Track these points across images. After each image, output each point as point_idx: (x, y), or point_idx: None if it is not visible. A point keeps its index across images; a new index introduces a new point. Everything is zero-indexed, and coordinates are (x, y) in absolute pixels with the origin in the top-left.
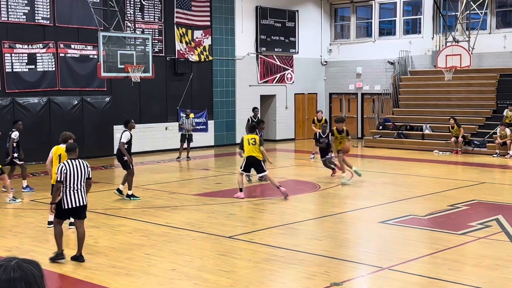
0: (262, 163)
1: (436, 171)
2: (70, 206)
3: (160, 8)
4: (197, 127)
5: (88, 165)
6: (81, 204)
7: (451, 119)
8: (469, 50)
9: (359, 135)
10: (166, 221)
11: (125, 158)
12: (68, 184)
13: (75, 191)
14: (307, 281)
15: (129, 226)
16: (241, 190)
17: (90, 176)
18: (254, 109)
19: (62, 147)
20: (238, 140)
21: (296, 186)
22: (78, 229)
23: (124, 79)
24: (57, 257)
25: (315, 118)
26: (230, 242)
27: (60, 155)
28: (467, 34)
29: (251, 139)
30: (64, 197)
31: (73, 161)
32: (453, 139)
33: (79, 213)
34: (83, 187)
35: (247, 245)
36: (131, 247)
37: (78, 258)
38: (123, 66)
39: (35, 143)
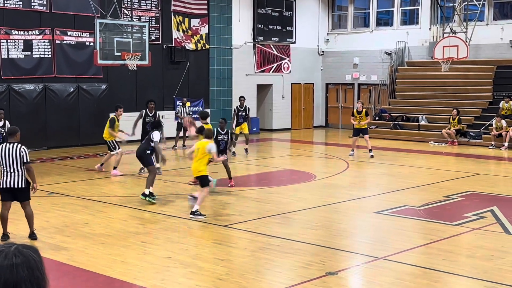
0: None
1: (431, 162)
2: (2, 186)
3: None
4: (194, 115)
5: (25, 150)
6: (16, 186)
7: (454, 109)
8: (466, 42)
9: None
10: (162, 209)
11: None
12: (3, 166)
13: (9, 173)
14: (302, 270)
15: (124, 214)
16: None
17: (27, 161)
18: (240, 98)
19: None
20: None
21: (292, 176)
22: (24, 209)
23: (120, 66)
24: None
25: (355, 110)
26: (225, 231)
27: None
28: (465, 25)
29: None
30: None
31: (8, 144)
32: (444, 130)
33: (17, 195)
34: (19, 171)
35: (243, 234)
36: (127, 235)
37: (30, 236)
38: (119, 54)
39: (31, 130)
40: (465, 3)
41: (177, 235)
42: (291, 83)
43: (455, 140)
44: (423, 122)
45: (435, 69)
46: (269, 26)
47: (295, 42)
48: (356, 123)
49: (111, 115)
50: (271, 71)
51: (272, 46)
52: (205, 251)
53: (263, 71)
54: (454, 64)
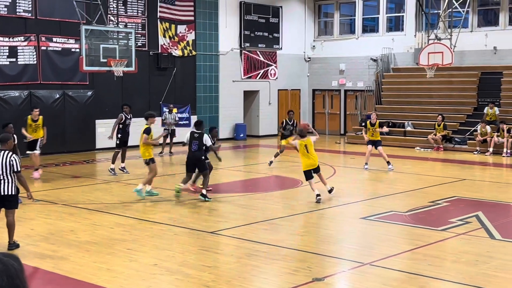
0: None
1: (417, 167)
2: None
3: (143, 2)
4: (180, 122)
5: (15, 159)
6: (5, 193)
7: (439, 115)
8: (451, 48)
9: (342, 132)
10: (148, 216)
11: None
12: None
13: None
14: (289, 277)
15: (110, 221)
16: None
17: (17, 170)
18: (290, 112)
19: None
20: (221, 136)
21: (278, 182)
22: (6, 218)
23: (106, 73)
24: None
25: (369, 122)
26: (212, 238)
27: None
28: (449, 32)
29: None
30: None
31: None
32: (430, 136)
33: (5, 203)
34: (8, 178)
35: (229, 241)
36: (113, 242)
37: (11, 245)
38: (105, 60)
39: (16, 137)
40: (450, 10)
41: (163, 242)
42: (278, 89)
43: (441, 145)
44: (409, 128)
45: (421, 75)
46: (256, 32)
47: (281, 48)
48: (368, 136)
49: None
50: (257, 78)
51: (258, 53)
52: (192, 258)
53: (250, 77)
54: (439, 70)
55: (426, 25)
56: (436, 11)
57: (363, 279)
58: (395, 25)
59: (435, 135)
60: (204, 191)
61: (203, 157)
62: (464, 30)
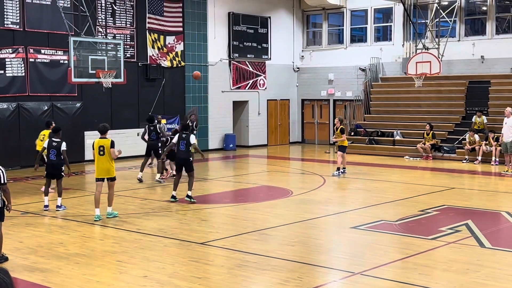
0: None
1: (407, 176)
2: None
3: (132, 13)
4: (169, 133)
5: (2, 171)
6: None
7: (428, 125)
8: (439, 57)
9: (331, 141)
10: (138, 227)
11: None
12: None
13: None
14: (279, 287)
15: (100, 233)
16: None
17: (3, 182)
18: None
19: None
20: (210, 146)
21: (269, 192)
22: None
23: (95, 84)
24: None
25: (335, 127)
26: (202, 249)
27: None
28: (437, 41)
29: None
30: None
31: None
32: (419, 145)
33: None
34: None
35: (219, 251)
36: (103, 254)
37: (0, 259)
38: (94, 72)
39: (4, 149)
40: (437, 19)
41: (153, 253)
42: (267, 100)
43: (430, 154)
44: (398, 137)
45: (409, 84)
46: (245, 43)
47: (270, 58)
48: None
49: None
50: (247, 88)
51: (247, 63)
52: (182, 269)
53: (239, 87)
54: (427, 79)
55: (414, 35)
56: (423, 21)
57: None
58: (383, 35)
59: (424, 144)
60: (189, 193)
61: (190, 158)
62: (452, 40)
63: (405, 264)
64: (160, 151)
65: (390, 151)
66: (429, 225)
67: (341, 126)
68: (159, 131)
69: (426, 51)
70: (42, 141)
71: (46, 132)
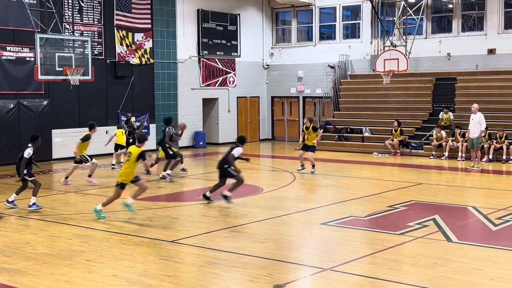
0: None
1: (375, 172)
2: None
3: (99, 10)
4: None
5: None
6: None
7: (395, 121)
8: (406, 55)
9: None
10: (107, 226)
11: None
12: None
13: None
14: (250, 284)
15: (68, 232)
16: None
17: None
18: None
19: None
20: (180, 144)
21: (239, 189)
22: None
23: (62, 82)
24: None
25: (304, 126)
26: (172, 247)
27: None
28: (404, 39)
29: None
30: None
31: None
32: (387, 141)
33: None
34: None
35: (190, 249)
36: (71, 253)
37: None
38: (61, 69)
39: None
40: (404, 17)
41: (123, 252)
42: (237, 97)
43: (398, 151)
44: (366, 134)
45: (377, 81)
46: (214, 40)
47: (240, 56)
48: (301, 139)
49: (87, 132)
50: (216, 85)
51: (217, 60)
52: (152, 268)
53: (208, 85)
54: (395, 76)
55: (381, 32)
56: (391, 19)
57: (324, 285)
58: (352, 32)
59: (392, 140)
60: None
61: (227, 166)
62: (419, 37)
63: (374, 259)
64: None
65: (359, 147)
66: (397, 220)
67: (312, 125)
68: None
69: (393, 48)
70: None
71: None
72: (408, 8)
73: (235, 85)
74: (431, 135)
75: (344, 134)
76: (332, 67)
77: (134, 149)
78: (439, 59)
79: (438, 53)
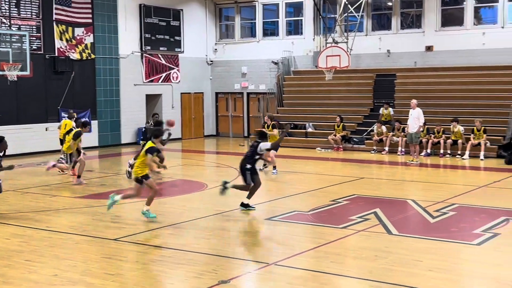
0: None
1: (319, 167)
2: None
3: (38, 3)
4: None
5: None
6: None
7: (338, 117)
8: (348, 51)
9: (245, 134)
10: (47, 225)
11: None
12: None
13: None
14: (195, 281)
15: (6, 232)
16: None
17: None
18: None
19: None
20: (123, 140)
21: (183, 186)
22: None
23: None
24: None
25: (266, 124)
26: (115, 245)
27: None
28: (346, 35)
29: None
30: None
31: None
32: (330, 137)
33: None
34: None
35: (133, 247)
36: (10, 253)
37: None
38: None
39: None
40: (345, 14)
41: (63, 251)
42: (181, 93)
43: (340, 146)
44: (310, 129)
45: (320, 77)
46: (157, 35)
47: (183, 51)
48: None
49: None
50: (160, 81)
51: (160, 56)
52: (94, 267)
53: (151, 81)
54: (337, 73)
55: (324, 29)
56: (333, 16)
57: (269, 279)
58: (295, 29)
59: (335, 135)
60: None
61: (247, 166)
62: (360, 34)
63: (318, 253)
64: None
65: (302, 143)
66: (340, 214)
67: (273, 122)
68: None
69: (335, 45)
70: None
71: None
72: (349, 5)
73: (179, 81)
74: (372, 130)
75: (288, 130)
76: (276, 63)
77: (148, 144)
78: (379, 56)
79: (378, 50)
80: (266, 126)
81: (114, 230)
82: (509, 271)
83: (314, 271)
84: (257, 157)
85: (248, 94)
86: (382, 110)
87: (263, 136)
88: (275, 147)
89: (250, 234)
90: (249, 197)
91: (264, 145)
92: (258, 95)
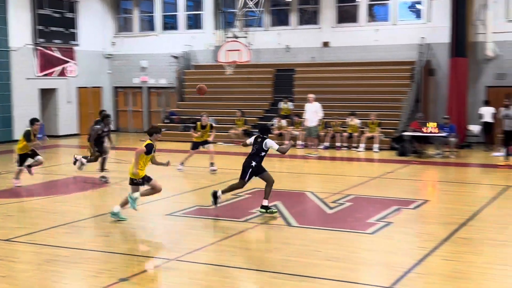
0: None
1: (220, 162)
2: None
3: None
4: None
5: None
6: None
7: (238, 111)
8: (248, 46)
9: (145, 129)
10: None
11: None
12: None
13: None
14: (93, 280)
15: None
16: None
17: None
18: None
19: None
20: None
21: (81, 183)
22: None
23: None
24: None
25: (199, 124)
26: (7, 245)
27: None
28: (245, 30)
29: None
30: None
31: None
32: (232, 131)
33: None
34: None
35: (27, 247)
36: None
37: None
38: None
39: None
40: (245, 9)
41: None
42: (77, 87)
43: (242, 140)
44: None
45: (221, 72)
46: (51, 27)
47: (79, 44)
48: (197, 136)
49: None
50: (55, 75)
51: (55, 49)
52: None
53: (46, 74)
54: (238, 67)
55: (224, 24)
56: (233, 10)
57: (170, 275)
58: (195, 23)
59: (237, 130)
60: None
61: (252, 163)
62: (259, 29)
63: (220, 247)
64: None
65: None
66: (241, 208)
67: (210, 123)
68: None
69: (235, 39)
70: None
71: None
72: (248, 1)
73: (75, 75)
74: (273, 124)
75: (189, 125)
76: (176, 57)
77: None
78: (279, 51)
79: (278, 45)
80: (200, 126)
81: (5, 231)
82: (400, 257)
83: (215, 265)
84: (263, 153)
85: (149, 88)
86: (282, 105)
87: (267, 131)
88: (283, 151)
89: (150, 230)
90: (266, 197)
91: (271, 142)
92: (159, 89)
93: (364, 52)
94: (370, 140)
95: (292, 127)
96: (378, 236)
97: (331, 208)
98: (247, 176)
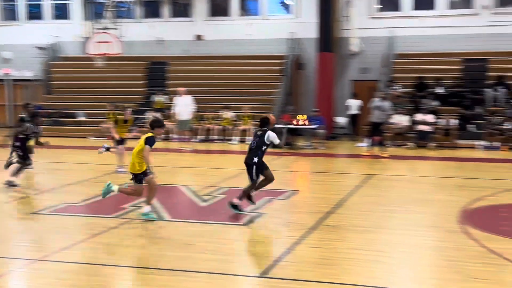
0: None
1: (91, 157)
2: None
3: None
4: None
5: None
6: None
7: (110, 105)
8: (119, 38)
9: (10, 124)
10: None
11: None
12: None
13: None
14: None
15: None
16: None
17: None
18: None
19: None
20: None
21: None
22: None
23: None
24: None
25: (122, 118)
26: None
27: None
28: (116, 22)
29: None
30: None
31: None
32: (103, 125)
33: None
34: None
35: None
36: None
37: None
38: None
39: None
40: (116, 0)
41: None
42: None
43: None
44: (82, 118)
45: (91, 64)
46: None
47: None
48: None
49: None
50: None
51: None
52: None
53: None
54: (110, 60)
55: (93, 15)
56: (103, 1)
57: (35, 276)
58: (63, 13)
59: (108, 124)
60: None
61: (254, 160)
62: (131, 21)
63: (89, 244)
64: None
65: (73, 132)
66: (112, 203)
67: (131, 117)
68: None
69: (106, 31)
70: None
71: None
72: None
73: None
74: (144, 118)
75: (58, 119)
76: (42, 49)
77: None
78: (151, 43)
79: (150, 37)
80: (124, 121)
81: None
82: (271, 247)
83: (85, 263)
84: (265, 147)
85: (13, 81)
86: (155, 98)
87: (268, 123)
88: (281, 146)
89: (14, 230)
90: (255, 190)
91: (273, 135)
92: (24, 82)
93: (236, 45)
94: (244, 132)
95: (168, 120)
96: (251, 227)
97: (204, 201)
98: (254, 175)
